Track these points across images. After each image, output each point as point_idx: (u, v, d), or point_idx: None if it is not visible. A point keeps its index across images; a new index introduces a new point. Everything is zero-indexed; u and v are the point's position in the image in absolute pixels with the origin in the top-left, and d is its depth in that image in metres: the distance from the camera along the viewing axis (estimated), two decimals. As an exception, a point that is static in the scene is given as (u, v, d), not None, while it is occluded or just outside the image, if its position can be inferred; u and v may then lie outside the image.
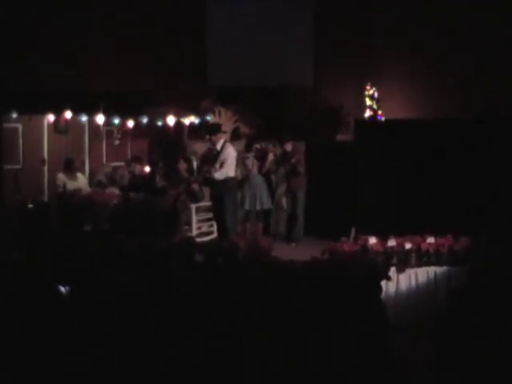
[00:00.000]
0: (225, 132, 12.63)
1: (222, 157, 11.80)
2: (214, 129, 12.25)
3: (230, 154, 11.87)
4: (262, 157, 13.29)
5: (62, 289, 6.62)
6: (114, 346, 5.96)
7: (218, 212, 12.04)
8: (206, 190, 13.87)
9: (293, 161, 13.28)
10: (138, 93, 14.14)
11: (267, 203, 12.99)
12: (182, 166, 13.75)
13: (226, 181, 11.82)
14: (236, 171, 12.21)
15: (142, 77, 15.37)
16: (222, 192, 11.82)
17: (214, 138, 11.96)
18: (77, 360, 5.85)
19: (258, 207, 12.77)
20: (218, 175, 11.75)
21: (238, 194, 12.44)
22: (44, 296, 6.44)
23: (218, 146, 11.93)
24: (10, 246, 8.90)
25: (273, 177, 14.07)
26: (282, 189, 14.04)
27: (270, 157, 13.62)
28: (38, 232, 11.20)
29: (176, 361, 5.87)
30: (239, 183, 12.67)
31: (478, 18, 15.13)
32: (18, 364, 5.87)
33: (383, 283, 7.57)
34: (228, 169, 11.81)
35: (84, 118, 13.03)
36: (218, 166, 11.75)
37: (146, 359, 5.88)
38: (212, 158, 11.95)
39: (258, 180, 12.88)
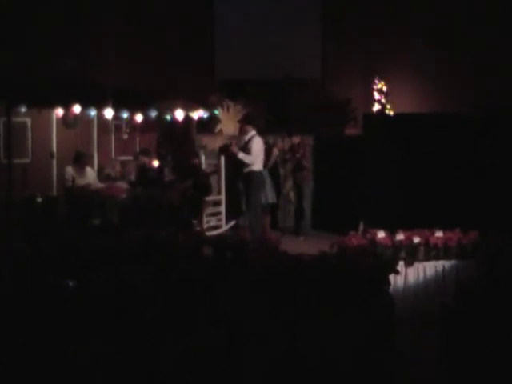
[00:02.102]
0: (257, 125, 12.59)
1: (247, 148, 11.78)
2: (247, 118, 12.35)
3: (254, 145, 11.79)
4: (267, 150, 13.31)
5: (66, 281, 6.63)
6: (115, 339, 5.98)
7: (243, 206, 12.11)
8: (214, 184, 13.92)
9: (297, 155, 13.31)
10: (147, 87, 14.14)
11: (272, 197, 12.98)
12: (196, 161, 13.82)
13: (251, 175, 11.77)
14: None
15: (150, 71, 15.37)
16: (247, 186, 11.82)
17: (246, 127, 11.99)
18: (78, 353, 5.87)
19: (264, 201, 12.76)
20: (241, 156, 11.70)
21: (263, 189, 12.35)
22: (46, 289, 6.45)
23: (247, 138, 11.94)
24: (17, 240, 8.93)
25: (281, 171, 14.09)
26: (289, 183, 14.07)
27: (275, 152, 13.63)
28: (43, 225, 11.25)
29: (178, 354, 5.88)
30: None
31: (487, 15, 15.10)
32: (19, 357, 5.88)
33: (391, 277, 7.57)
34: (252, 160, 11.74)
35: (93, 112, 13.05)
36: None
37: (147, 353, 5.90)
38: (240, 147, 11.95)
39: (264, 174, 12.86)
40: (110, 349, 5.89)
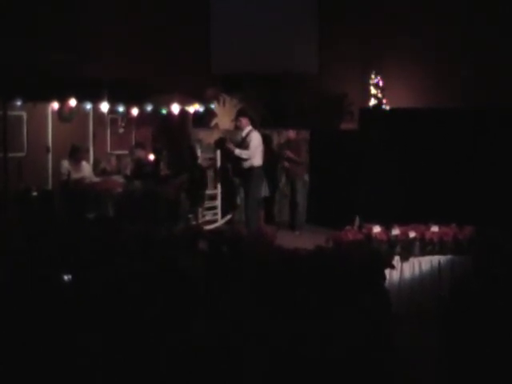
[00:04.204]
0: (252, 119, 12.64)
1: (245, 143, 11.83)
2: (242, 112, 12.38)
3: (252, 140, 11.84)
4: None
5: (65, 278, 6.61)
6: (114, 339, 5.96)
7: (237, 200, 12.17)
8: (210, 178, 13.92)
9: (287, 152, 13.36)
10: (143, 81, 14.12)
11: (265, 191, 12.98)
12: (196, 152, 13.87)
13: (252, 170, 11.83)
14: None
15: (147, 65, 15.34)
16: (247, 181, 11.86)
17: (242, 120, 12.02)
18: (77, 350, 5.86)
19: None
20: (238, 152, 11.77)
21: (262, 184, 12.38)
22: (45, 285, 6.42)
23: (244, 133, 11.97)
24: (12, 234, 8.89)
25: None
26: (284, 177, 14.08)
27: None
28: (40, 220, 11.22)
29: (176, 351, 5.86)
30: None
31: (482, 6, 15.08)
32: (19, 356, 5.86)
33: (387, 272, 7.57)
34: (251, 155, 11.79)
35: (88, 106, 13.02)
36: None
37: (147, 353, 5.88)
38: (237, 143, 12.01)
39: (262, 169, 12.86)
40: (110, 349, 5.88)
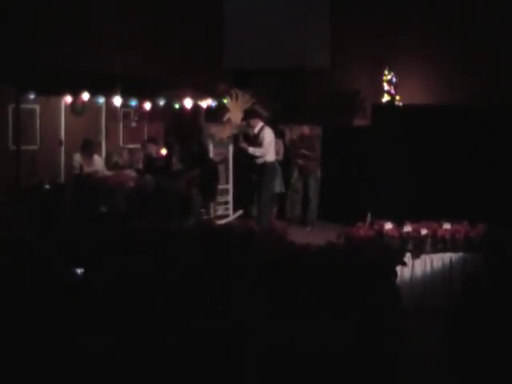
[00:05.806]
0: (266, 116, 12.71)
1: (259, 140, 11.86)
2: (251, 112, 12.39)
3: (266, 137, 11.88)
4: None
5: (74, 271, 6.59)
6: (116, 337, 5.96)
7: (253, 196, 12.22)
8: (222, 173, 13.92)
9: (302, 151, 13.36)
10: (155, 76, 14.12)
11: (280, 187, 12.98)
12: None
13: (265, 166, 11.87)
14: None
15: (159, 60, 15.33)
16: (260, 177, 11.89)
17: (251, 121, 12.06)
18: (77, 350, 5.86)
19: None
20: (252, 151, 11.80)
21: (276, 179, 12.41)
22: (45, 284, 6.41)
23: (256, 130, 12.00)
24: (24, 227, 8.88)
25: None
26: (297, 173, 14.06)
27: (279, 144, 13.64)
28: (52, 213, 11.26)
29: (176, 351, 5.86)
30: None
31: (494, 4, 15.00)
32: (17, 355, 5.87)
33: (398, 268, 7.56)
34: (265, 152, 11.83)
35: (101, 100, 13.01)
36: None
37: (147, 352, 5.87)
38: (250, 140, 12.05)
39: (276, 165, 12.84)
40: (110, 348, 5.87)
